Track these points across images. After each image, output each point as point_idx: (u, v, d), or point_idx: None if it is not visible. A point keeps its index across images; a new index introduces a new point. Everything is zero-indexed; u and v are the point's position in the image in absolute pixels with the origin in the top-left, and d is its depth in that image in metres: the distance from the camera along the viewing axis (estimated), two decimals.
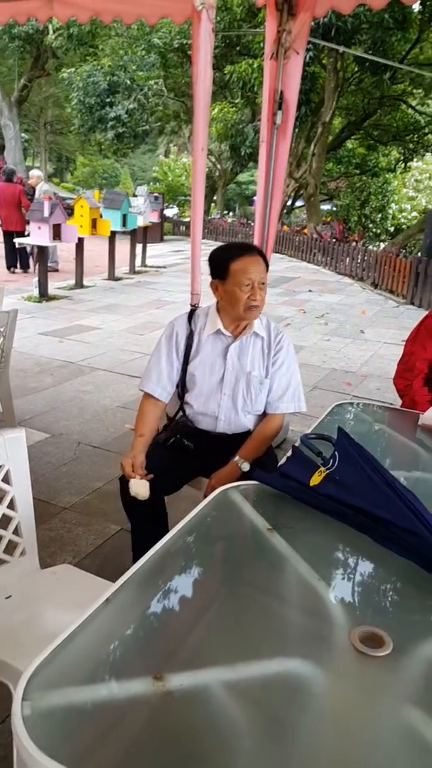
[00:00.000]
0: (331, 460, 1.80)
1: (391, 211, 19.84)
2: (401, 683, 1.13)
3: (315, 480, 1.71)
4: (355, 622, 1.23)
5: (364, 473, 1.70)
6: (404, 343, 3.12)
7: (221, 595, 1.38)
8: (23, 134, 30.53)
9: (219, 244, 2.66)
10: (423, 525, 1.44)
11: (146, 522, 2.31)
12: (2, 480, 1.85)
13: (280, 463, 1.92)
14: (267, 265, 2.31)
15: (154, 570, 1.38)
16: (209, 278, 2.35)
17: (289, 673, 1.13)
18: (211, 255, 2.34)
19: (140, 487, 2.12)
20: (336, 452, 1.83)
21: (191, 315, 2.43)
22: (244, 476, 2.23)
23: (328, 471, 1.74)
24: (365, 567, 1.48)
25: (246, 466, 2.30)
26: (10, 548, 1.90)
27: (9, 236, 10.81)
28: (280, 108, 3.25)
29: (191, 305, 3.51)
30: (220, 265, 2.26)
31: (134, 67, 17.88)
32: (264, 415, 2.45)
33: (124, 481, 2.24)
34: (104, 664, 1.13)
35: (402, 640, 1.18)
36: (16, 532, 1.92)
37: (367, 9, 3.29)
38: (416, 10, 13.52)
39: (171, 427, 2.47)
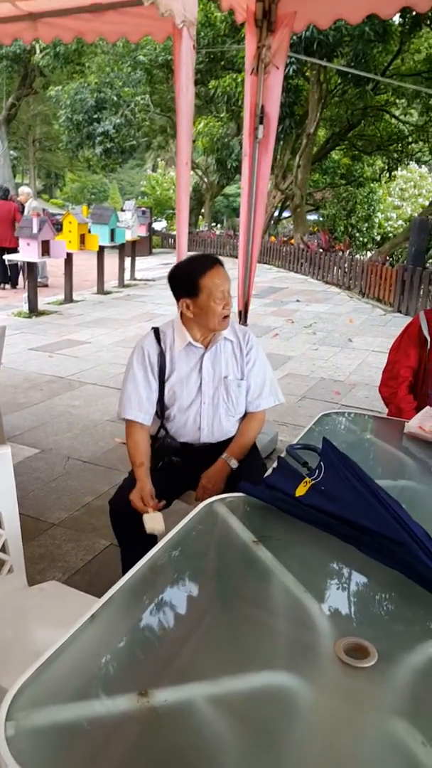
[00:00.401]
0: (317, 471, 1.81)
1: (377, 220, 19.99)
2: (387, 694, 1.13)
3: (301, 491, 1.71)
4: (341, 634, 1.23)
5: (348, 483, 1.71)
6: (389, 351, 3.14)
7: (207, 609, 1.38)
8: (12, 152, 30.67)
9: None
10: (407, 534, 1.45)
11: (135, 541, 2.30)
12: None
13: (266, 474, 1.92)
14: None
15: (140, 585, 1.37)
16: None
17: (274, 686, 1.13)
18: (174, 274, 2.33)
19: (155, 522, 2.03)
20: (321, 462, 1.84)
21: (157, 333, 2.41)
22: (230, 487, 2.24)
23: (313, 481, 1.74)
24: (351, 578, 1.48)
25: (234, 463, 2.33)
26: None
27: (1, 252, 10.81)
28: (261, 122, 3.29)
29: None
30: (189, 282, 2.26)
31: (120, 84, 18.00)
32: (245, 414, 2.49)
33: (113, 505, 2.25)
34: (89, 681, 1.13)
35: (387, 651, 1.18)
36: (3, 549, 1.91)
37: (346, 23, 3.34)
38: (397, 22, 13.71)
39: (156, 448, 2.43)
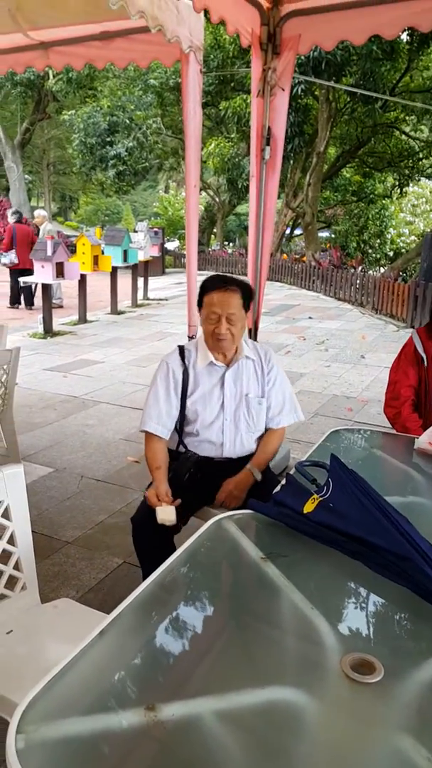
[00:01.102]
0: (325, 487, 1.83)
1: (389, 236, 20.03)
2: (393, 709, 1.13)
3: (309, 507, 1.72)
4: (347, 649, 1.24)
5: (356, 499, 1.72)
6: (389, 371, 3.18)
7: (215, 624, 1.39)
8: (27, 176, 31.17)
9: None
10: (415, 550, 1.45)
11: (156, 559, 2.31)
12: (2, 515, 1.88)
13: (274, 491, 1.94)
14: (247, 298, 2.36)
15: (148, 601, 1.39)
16: None
17: (280, 702, 1.14)
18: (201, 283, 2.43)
19: (167, 514, 2.11)
20: (329, 479, 1.85)
21: (182, 351, 2.48)
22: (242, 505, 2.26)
23: (321, 498, 1.76)
24: (358, 594, 1.49)
25: (258, 475, 2.40)
26: (11, 583, 1.92)
27: (18, 274, 11.02)
28: (268, 143, 3.34)
29: (188, 336, 3.57)
30: (200, 294, 2.38)
31: (132, 107, 18.29)
32: (265, 431, 2.54)
33: (136, 522, 2.29)
34: (97, 696, 1.15)
35: (393, 666, 1.19)
36: (16, 567, 1.94)
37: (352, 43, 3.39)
38: (404, 40, 13.85)
39: (181, 461, 2.45)
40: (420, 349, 2.98)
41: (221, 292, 2.30)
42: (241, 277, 2.55)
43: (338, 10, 3.18)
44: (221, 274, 2.45)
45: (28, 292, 11.53)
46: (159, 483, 2.26)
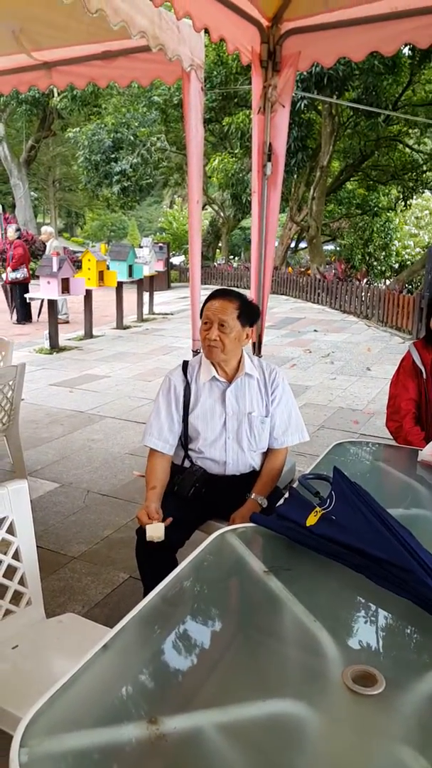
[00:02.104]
0: (328, 500, 1.83)
1: (394, 249, 20.07)
2: (394, 722, 1.13)
3: (311, 520, 1.73)
4: (349, 661, 1.24)
5: (359, 512, 1.72)
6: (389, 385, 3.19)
7: (218, 638, 1.39)
8: (33, 192, 31.46)
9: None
10: (417, 562, 1.46)
11: (158, 572, 2.32)
12: (7, 531, 1.89)
13: (277, 504, 1.95)
14: (246, 312, 2.37)
15: (152, 615, 1.40)
16: None
17: (282, 714, 1.14)
18: None
19: (155, 531, 2.13)
20: (332, 491, 1.86)
21: (185, 366, 2.50)
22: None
23: (324, 511, 1.76)
24: (360, 606, 1.49)
25: (264, 502, 2.37)
26: (16, 598, 1.93)
27: (21, 289, 11.24)
28: (269, 159, 3.38)
29: (193, 351, 3.59)
30: (202, 308, 2.42)
31: (137, 124, 18.47)
32: (268, 450, 2.53)
33: (140, 535, 2.28)
34: (101, 710, 1.16)
35: (395, 679, 1.19)
36: (21, 582, 1.95)
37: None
38: (406, 54, 13.95)
39: (186, 475, 2.46)
40: (418, 362, 2.99)
41: (218, 300, 2.34)
42: (245, 293, 2.57)
43: (337, 27, 3.22)
44: (223, 288, 2.47)
45: (27, 308, 11.70)
46: (150, 501, 2.28)
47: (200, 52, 3.30)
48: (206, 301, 2.39)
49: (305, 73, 12.45)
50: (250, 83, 3.52)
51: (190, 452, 2.49)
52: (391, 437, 3.25)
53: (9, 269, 11.26)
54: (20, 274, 11.18)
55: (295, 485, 2.08)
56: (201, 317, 2.40)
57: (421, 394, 3.00)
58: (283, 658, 1.32)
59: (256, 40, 3.30)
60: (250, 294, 3.59)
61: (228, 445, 2.44)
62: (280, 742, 1.07)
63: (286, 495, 1.97)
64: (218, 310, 2.32)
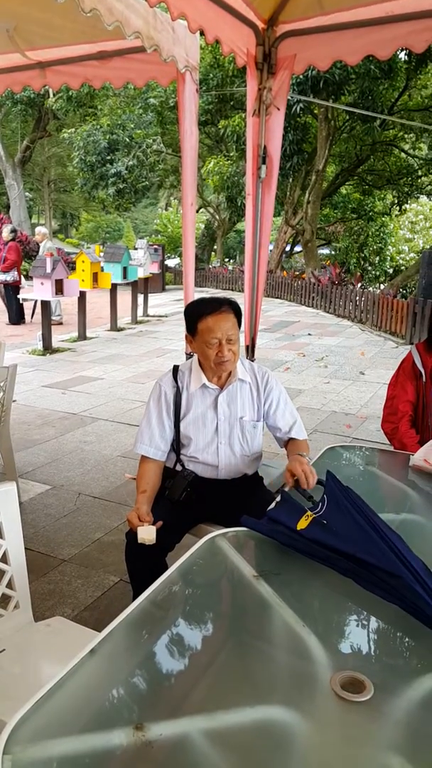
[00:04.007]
0: (320, 504, 1.83)
1: (389, 254, 20.12)
2: (382, 728, 1.12)
3: (302, 524, 1.72)
4: (337, 667, 1.23)
5: (350, 516, 1.72)
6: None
7: (205, 643, 1.38)
8: (27, 193, 31.42)
9: (219, 291, 2.71)
10: (405, 566, 1.45)
11: (147, 576, 2.31)
12: None
13: (269, 508, 1.93)
14: (239, 315, 2.34)
15: (140, 619, 1.39)
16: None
17: (269, 721, 1.13)
18: (185, 309, 2.39)
19: (147, 533, 2.10)
20: (325, 496, 1.86)
21: (175, 372, 2.46)
22: (234, 519, 2.25)
23: (315, 515, 1.76)
24: (349, 613, 1.48)
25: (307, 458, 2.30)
26: (4, 602, 1.91)
27: (13, 290, 11.24)
28: (264, 162, 3.37)
29: (186, 353, 3.57)
30: (190, 321, 2.32)
31: (132, 126, 18.45)
32: (259, 457, 2.56)
33: (130, 538, 2.26)
34: (86, 716, 1.14)
35: (383, 685, 1.18)
36: (9, 585, 1.93)
37: None
38: (402, 59, 13.99)
39: (177, 480, 2.43)
40: (419, 364, 2.98)
41: (216, 316, 2.26)
42: (225, 296, 2.50)
43: (333, 30, 3.22)
44: (207, 297, 2.39)
45: (20, 309, 11.69)
46: (140, 504, 2.24)
47: (195, 54, 3.29)
48: (199, 315, 2.28)
49: (301, 77, 12.48)
50: (245, 86, 3.51)
51: (182, 456, 2.47)
52: (387, 440, 3.24)
53: (1, 271, 11.25)
54: (10, 276, 11.15)
55: (287, 489, 2.07)
56: (193, 333, 2.31)
57: (418, 397, 2.99)
58: (272, 663, 1.30)
59: (252, 42, 3.30)
60: (242, 297, 3.59)
61: (220, 449, 2.43)
62: (267, 749, 1.06)
63: (278, 499, 1.96)
64: (225, 328, 2.25)
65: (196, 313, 2.31)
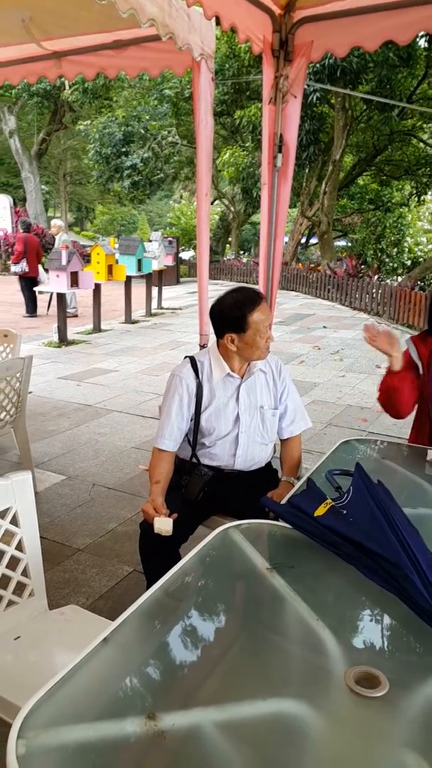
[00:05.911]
0: (345, 494, 1.83)
1: (406, 245, 19.93)
2: (396, 724, 1.11)
3: (320, 511, 1.71)
4: (352, 662, 1.21)
5: (368, 507, 1.70)
6: None
7: (218, 634, 1.37)
8: (44, 186, 31.46)
9: (233, 283, 2.70)
10: (409, 559, 1.42)
11: (161, 566, 2.30)
12: (11, 522, 1.88)
13: (291, 493, 1.97)
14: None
15: (153, 609, 1.38)
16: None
17: (282, 714, 1.12)
18: (220, 311, 2.33)
19: (164, 524, 2.12)
20: (351, 487, 1.86)
21: (194, 363, 2.43)
22: (250, 503, 2.28)
23: (336, 504, 1.75)
24: (364, 607, 1.46)
25: (295, 481, 2.42)
26: (19, 590, 1.92)
27: (28, 282, 11.31)
28: (280, 151, 3.33)
29: (200, 345, 3.56)
30: (238, 320, 2.28)
31: (147, 117, 18.41)
32: (282, 441, 2.60)
33: (144, 528, 2.26)
34: (99, 703, 1.14)
35: (398, 681, 1.16)
36: (24, 573, 1.93)
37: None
38: (422, 46, 13.79)
39: (194, 479, 2.42)
40: (415, 356, 2.90)
41: (263, 305, 2.32)
42: (251, 286, 2.53)
43: (350, 15, 3.16)
44: (244, 288, 2.38)
45: (34, 301, 11.77)
46: (155, 496, 2.26)
47: (211, 42, 3.26)
48: (245, 312, 2.27)
49: (318, 66, 12.36)
50: (261, 75, 3.47)
51: (199, 448, 2.47)
52: (402, 434, 3.19)
53: (12, 263, 11.47)
54: (18, 268, 11.28)
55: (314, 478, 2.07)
56: (242, 330, 2.29)
57: (419, 392, 2.91)
58: (285, 656, 1.29)
59: (268, 29, 3.25)
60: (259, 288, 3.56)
61: (240, 438, 2.43)
62: (279, 743, 1.05)
63: (304, 487, 1.96)
64: (269, 317, 2.34)
65: (240, 313, 2.28)
